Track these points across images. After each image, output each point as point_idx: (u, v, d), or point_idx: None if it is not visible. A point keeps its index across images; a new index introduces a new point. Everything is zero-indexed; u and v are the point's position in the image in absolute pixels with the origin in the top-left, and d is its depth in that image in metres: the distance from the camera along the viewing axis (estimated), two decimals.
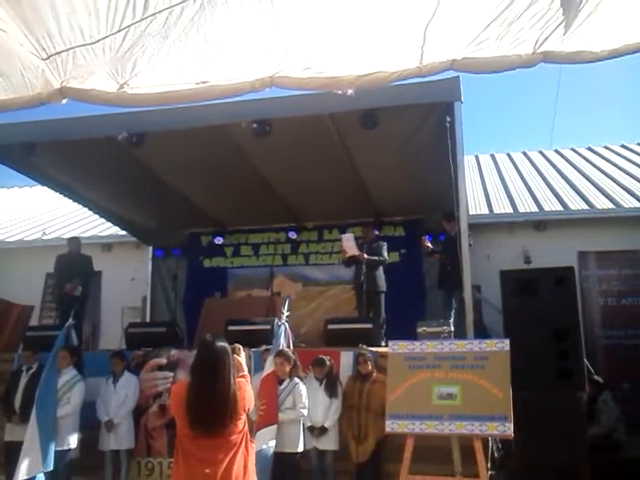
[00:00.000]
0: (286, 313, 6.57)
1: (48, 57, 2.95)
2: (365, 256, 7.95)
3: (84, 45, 2.91)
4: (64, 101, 3.27)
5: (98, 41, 2.89)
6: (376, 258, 8.05)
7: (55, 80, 3.14)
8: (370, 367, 6.08)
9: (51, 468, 6.01)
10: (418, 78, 3.30)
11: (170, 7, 2.76)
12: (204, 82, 3.28)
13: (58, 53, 2.94)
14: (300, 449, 5.82)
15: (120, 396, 6.58)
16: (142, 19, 2.79)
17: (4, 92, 3.18)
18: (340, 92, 3.36)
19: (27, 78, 3.10)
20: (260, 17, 2.87)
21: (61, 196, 9.91)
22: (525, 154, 15.43)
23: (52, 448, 6.07)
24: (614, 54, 2.96)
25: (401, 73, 3.19)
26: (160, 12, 2.77)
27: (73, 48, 2.92)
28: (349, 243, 8.13)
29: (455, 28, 2.97)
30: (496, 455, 5.92)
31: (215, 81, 3.28)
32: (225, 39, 3.01)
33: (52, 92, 3.18)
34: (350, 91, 3.34)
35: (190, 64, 3.15)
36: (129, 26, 2.81)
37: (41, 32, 2.81)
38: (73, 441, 6.31)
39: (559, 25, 2.86)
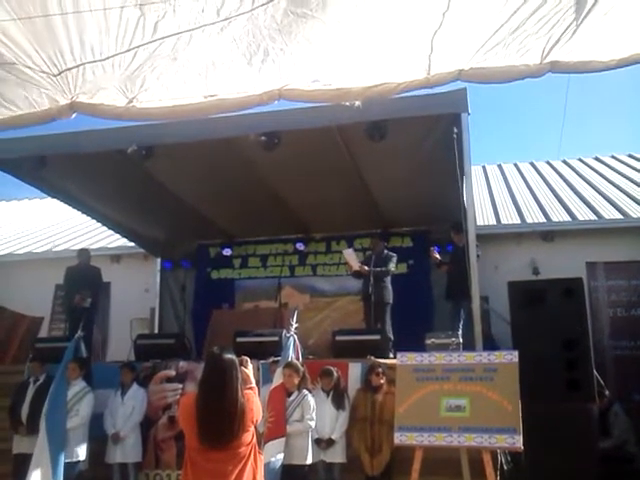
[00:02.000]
0: (295, 325, 6.56)
1: (59, 73, 3.00)
2: (366, 268, 7.99)
3: (94, 62, 2.95)
4: (73, 115, 3.31)
5: (108, 58, 2.94)
6: (379, 269, 8.05)
7: (65, 95, 3.18)
8: (384, 379, 6.06)
9: None
10: (425, 89, 3.32)
11: (178, 33, 2.80)
12: (212, 96, 3.31)
13: (69, 69, 2.98)
14: (309, 461, 5.78)
15: (127, 408, 6.58)
16: (151, 41, 2.83)
17: (16, 109, 3.22)
18: (348, 104, 3.37)
19: (35, 96, 3.14)
20: (267, 34, 2.89)
21: (70, 208, 9.96)
22: (532, 164, 15.40)
23: (62, 460, 6.08)
24: (623, 63, 2.96)
25: (409, 84, 3.22)
26: (169, 37, 2.81)
27: (83, 64, 2.97)
28: (351, 257, 8.26)
29: (462, 36, 2.98)
30: (505, 468, 5.88)
31: (223, 95, 3.31)
32: (233, 55, 3.04)
33: (62, 107, 3.23)
34: (357, 103, 3.35)
35: (199, 78, 3.18)
36: (138, 46, 2.86)
37: (53, 49, 2.85)
38: (82, 453, 6.32)
39: (565, 31, 2.86)
